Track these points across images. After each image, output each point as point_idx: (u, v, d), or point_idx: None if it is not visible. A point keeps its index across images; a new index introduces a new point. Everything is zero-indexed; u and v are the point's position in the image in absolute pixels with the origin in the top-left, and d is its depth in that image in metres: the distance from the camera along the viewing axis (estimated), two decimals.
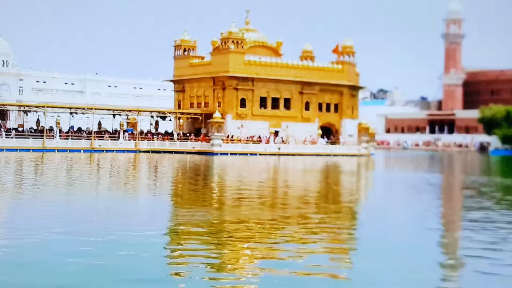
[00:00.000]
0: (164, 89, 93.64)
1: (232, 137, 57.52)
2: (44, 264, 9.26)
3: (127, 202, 18.05)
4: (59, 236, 11.38)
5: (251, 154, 55.16)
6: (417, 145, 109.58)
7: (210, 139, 55.37)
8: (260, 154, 55.58)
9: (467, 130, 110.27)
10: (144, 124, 63.19)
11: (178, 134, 58.35)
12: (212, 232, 12.31)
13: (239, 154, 54.57)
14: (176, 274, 9.00)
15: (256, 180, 27.55)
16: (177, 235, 12.27)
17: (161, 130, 62.49)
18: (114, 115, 59.46)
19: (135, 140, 55.08)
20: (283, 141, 59.14)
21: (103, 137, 54.69)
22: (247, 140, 57.41)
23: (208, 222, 13.46)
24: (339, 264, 9.89)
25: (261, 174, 33.26)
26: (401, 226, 14.16)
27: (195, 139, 56.86)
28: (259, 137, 58.26)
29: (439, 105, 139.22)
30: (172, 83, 69.50)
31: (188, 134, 58.95)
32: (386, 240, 12.17)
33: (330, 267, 9.57)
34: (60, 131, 53.21)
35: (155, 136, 57.38)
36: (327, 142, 62.08)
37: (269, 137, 57.88)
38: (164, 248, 10.83)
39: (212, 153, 53.05)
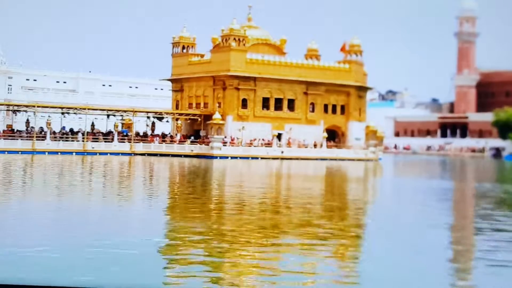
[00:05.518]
0: (161, 89, 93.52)
1: (236, 139, 57.30)
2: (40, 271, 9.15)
3: (117, 211, 17.85)
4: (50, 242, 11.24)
5: (252, 157, 55.01)
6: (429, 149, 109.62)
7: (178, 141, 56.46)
8: (262, 158, 55.43)
9: (481, 134, 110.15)
10: (140, 125, 63.07)
11: (184, 136, 57.81)
12: (208, 243, 12.14)
13: (240, 157, 54.41)
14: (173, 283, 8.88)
15: (257, 189, 27.35)
16: (171, 245, 12.10)
17: (158, 131, 62.38)
18: (108, 116, 59.36)
19: (130, 142, 54.96)
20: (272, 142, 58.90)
21: (97, 139, 54.57)
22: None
23: (204, 232, 13.28)
24: (344, 277, 9.71)
25: (263, 181, 33.03)
26: (409, 241, 13.99)
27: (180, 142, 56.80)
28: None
29: (451, 108, 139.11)
30: (169, 82, 69.40)
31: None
32: (394, 255, 12.00)
33: (335, 276, 9.40)
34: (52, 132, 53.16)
35: (155, 138, 57.20)
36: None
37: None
38: (158, 259, 10.67)
39: (212, 157, 52.86)
